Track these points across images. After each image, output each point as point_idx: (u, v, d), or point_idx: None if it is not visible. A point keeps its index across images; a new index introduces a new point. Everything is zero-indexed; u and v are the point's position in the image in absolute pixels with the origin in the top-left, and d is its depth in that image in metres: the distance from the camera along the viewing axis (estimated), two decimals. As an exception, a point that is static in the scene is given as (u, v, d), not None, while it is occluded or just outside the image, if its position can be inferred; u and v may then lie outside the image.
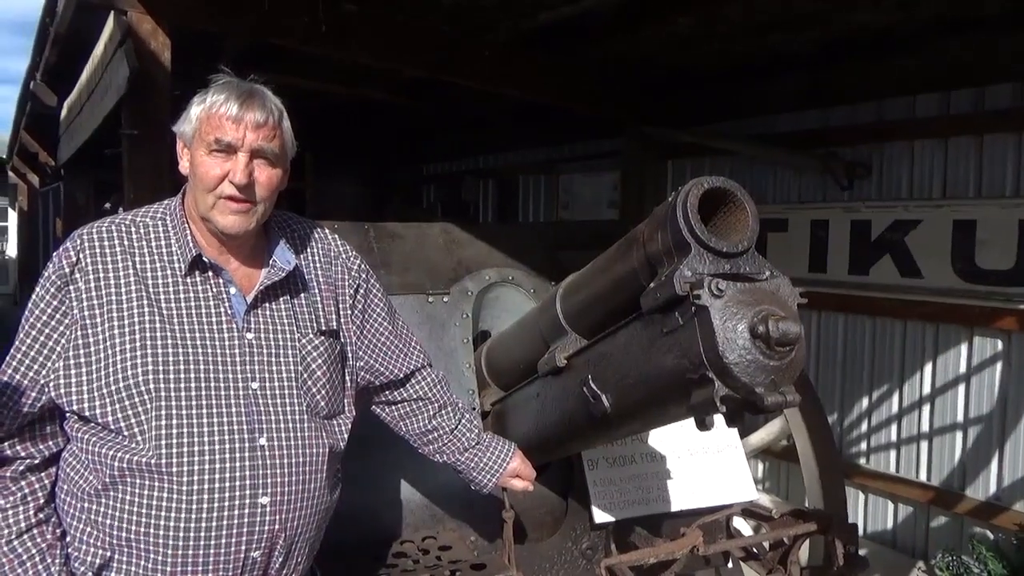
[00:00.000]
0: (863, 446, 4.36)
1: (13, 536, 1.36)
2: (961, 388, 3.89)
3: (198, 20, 3.41)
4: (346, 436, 1.55)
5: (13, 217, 17.56)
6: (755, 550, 2.47)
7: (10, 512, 1.37)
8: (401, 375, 1.71)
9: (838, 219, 4.29)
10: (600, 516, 2.40)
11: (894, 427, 4.21)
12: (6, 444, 1.37)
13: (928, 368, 4.01)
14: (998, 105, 3.68)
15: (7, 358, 1.36)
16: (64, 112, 6.02)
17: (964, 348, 3.86)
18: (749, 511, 2.40)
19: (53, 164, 8.72)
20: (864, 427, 4.36)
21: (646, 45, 4.08)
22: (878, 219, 4.10)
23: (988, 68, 3.64)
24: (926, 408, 4.05)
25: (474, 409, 2.35)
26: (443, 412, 1.78)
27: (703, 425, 1.45)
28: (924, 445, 4.07)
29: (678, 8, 3.51)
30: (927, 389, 4.03)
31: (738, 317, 1.29)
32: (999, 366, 3.73)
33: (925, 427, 4.05)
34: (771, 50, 4.06)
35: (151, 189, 3.37)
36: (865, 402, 4.34)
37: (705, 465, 2.57)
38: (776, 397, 1.28)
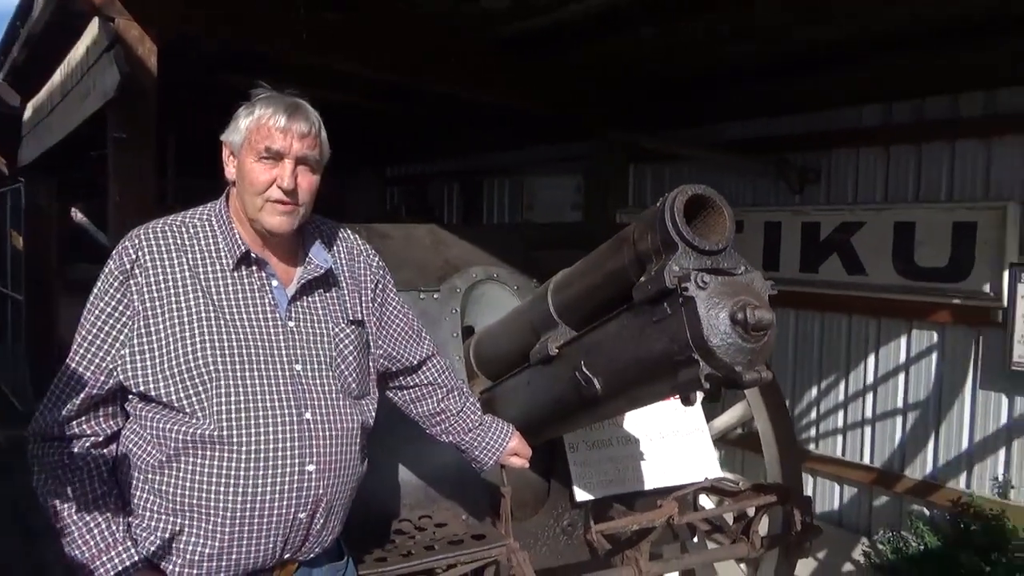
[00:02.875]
0: (813, 432, 4.67)
1: (82, 505, 1.49)
2: (901, 377, 4.21)
3: (184, 27, 3.52)
4: (373, 414, 1.73)
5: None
6: (720, 524, 2.70)
7: (77, 484, 1.50)
8: (414, 362, 1.88)
9: (789, 221, 4.58)
10: (580, 495, 2.59)
11: (841, 414, 4.52)
12: (74, 423, 1.51)
13: (871, 359, 4.33)
14: (936, 115, 4.01)
15: (74, 346, 1.50)
16: (29, 113, 5.98)
17: (904, 340, 4.18)
18: (715, 487, 2.62)
19: (8, 164, 8.57)
20: (814, 414, 4.66)
21: (612, 54, 4.30)
22: (826, 221, 4.40)
23: (925, 82, 3.96)
24: (869, 396, 4.36)
25: (468, 396, 2.52)
26: (450, 396, 1.95)
27: (687, 401, 1.66)
28: (868, 430, 4.38)
29: (642, 20, 3.74)
30: (870, 378, 4.34)
31: (720, 306, 1.50)
32: (935, 356, 4.05)
33: (868, 413, 4.37)
34: (728, 61, 4.33)
35: (136, 189, 3.48)
36: (815, 391, 4.64)
37: (675, 447, 2.79)
38: (753, 374, 1.50)
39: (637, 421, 2.77)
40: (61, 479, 1.50)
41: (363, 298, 1.74)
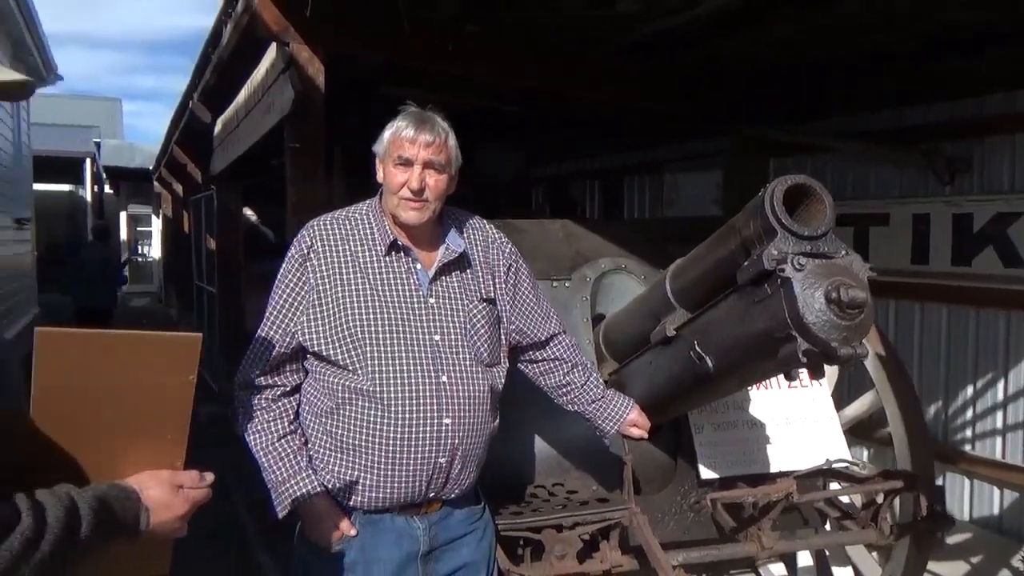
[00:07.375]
0: (968, 433, 4.46)
1: (275, 439, 1.86)
2: (1066, 375, 3.96)
3: (348, 47, 3.96)
4: (503, 380, 1.99)
5: (156, 223, 19.34)
6: (850, 511, 2.73)
7: (271, 423, 1.88)
8: (543, 337, 2.12)
9: (939, 212, 4.41)
10: (706, 473, 2.72)
11: (999, 414, 4.30)
12: (267, 376, 1.88)
13: (1033, 356, 4.09)
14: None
15: (266, 315, 1.88)
16: (218, 128, 6.81)
17: (1068, 336, 3.93)
18: (838, 472, 2.65)
19: (201, 174, 9.72)
20: (969, 415, 4.45)
21: (746, 48, 4.33)
22: (980, 212, 4.21)
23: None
24: (1031, 395, 4.13)
25: (595, 375, 2.72)
26: (575, 370, 2.17)
27: (789, 377, 1.78)
28: (1029, 431, 4.15)
29: (773, 14, 3.76)
30: (1031, 377, 4.11)
31: (816, 286, 1.62)
32: (1104, 353, 3.79)
33: (1030, 414, 4.14)
34: (871, 49, 4.24)
35: (309, 193, 3.95)
36: (970, 390, 4.43)
37: (803, 433, 2.84)
38: (847, 350, 1.60)
39: (763, 406, 2.85)
40: (257, 419, 1.87)
41: (496, 279, 2.01)
